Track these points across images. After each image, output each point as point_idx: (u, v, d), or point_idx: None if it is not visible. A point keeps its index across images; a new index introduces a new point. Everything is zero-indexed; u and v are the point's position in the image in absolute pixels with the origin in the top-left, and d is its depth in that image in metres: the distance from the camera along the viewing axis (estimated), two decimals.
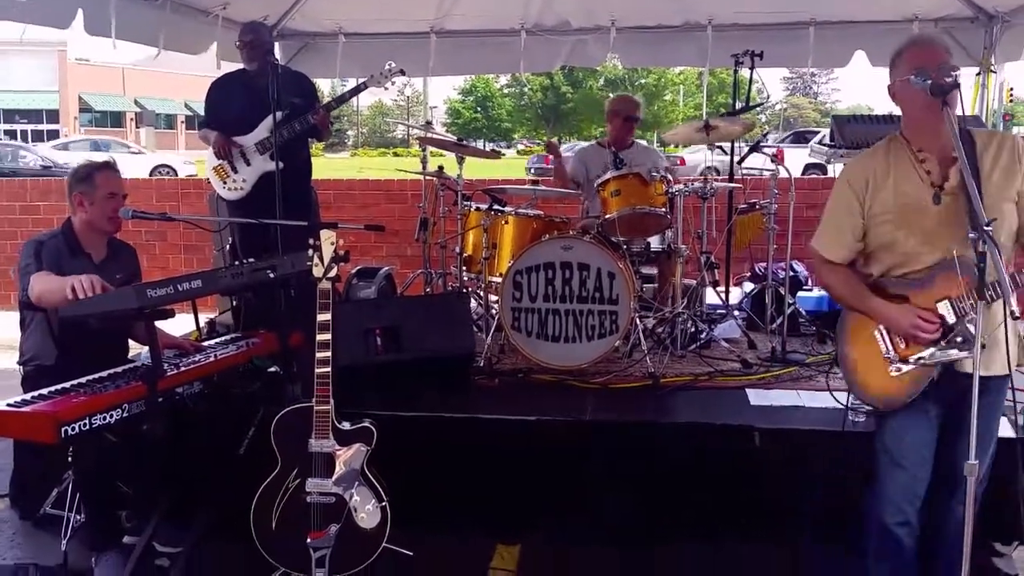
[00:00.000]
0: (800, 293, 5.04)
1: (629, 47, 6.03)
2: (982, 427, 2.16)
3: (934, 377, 2.38)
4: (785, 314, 4.49)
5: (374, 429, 2.94)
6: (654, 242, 4.70)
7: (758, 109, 10.17)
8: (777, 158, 4.81)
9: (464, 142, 5.10)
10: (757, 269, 5.41)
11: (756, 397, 3.68)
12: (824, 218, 2.61)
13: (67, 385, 2.81)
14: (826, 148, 13.12)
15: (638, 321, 4.07)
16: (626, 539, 3.29)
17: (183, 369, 3.10)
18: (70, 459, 3.13)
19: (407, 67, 4.76)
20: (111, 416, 2.73)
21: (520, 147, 45.45)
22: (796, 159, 17.55)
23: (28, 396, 2.73)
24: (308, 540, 2.87)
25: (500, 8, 5.92)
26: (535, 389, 3.87)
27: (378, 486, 2.92)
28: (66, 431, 2.58)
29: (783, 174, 4.72)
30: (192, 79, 34.37)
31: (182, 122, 45.00)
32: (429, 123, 6.48)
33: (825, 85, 60.61)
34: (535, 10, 5.84)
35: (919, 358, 2.37)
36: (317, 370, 2.83)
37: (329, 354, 2.85)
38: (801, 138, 22.74)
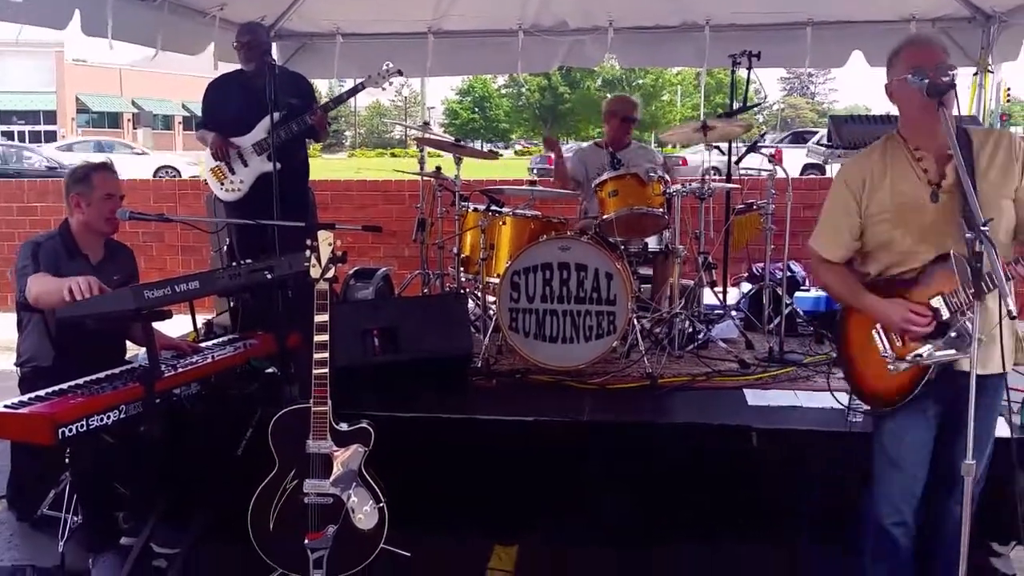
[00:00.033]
0: (798, 293, 5.04)
1: (627, 47, 6.02)
2: (979, 427, 2.16)
3: (931, 376, 2.38)
4: (782, 314, 4.50)
5: (372, 430, 2.94)
6: (652, 242, 4.69)
7: (756, 109, 10.19)
8: (775, 158, 4.81)
9: (462, 143, 5.09)
10: (755, 269, 5.42)
11: (754, 397, 3.68)
12: (821, 218, 2.62)
13: (64, 386, 2.80)
14: (824, 148, 13.12)
15: (636, 321, 4.08)
16: (624, 539, 3.29)
17: (180, 370, 3.10)
18: (67, 460, 3.13)
19: (405, 67, 4.75)
20: (108, 417, 2.72)
21: (518, 147, 45.48)
22: (794, 159, 17.53)
23: (25, 397, 2.72)
24: (306, 541, 2.87)
25: (497, 8, 5.91)
26: (533, 390, 3.87)
27: (376, 487, 2.92)
28: (63, 432, 2.57)
29: (781, 174, 4.73)
30: (189, 80, 34.33)
31: (179, 123, 44.98)
32: (427, 123, 6.49)
33: (823, 85, 60.68)
34: (532, 10, 5.83)
35: (916, 355, 2.36)
36: (315, 371, 2.83)
37: (327, 355, 2.84)
38: (799, 138, 22.71)
